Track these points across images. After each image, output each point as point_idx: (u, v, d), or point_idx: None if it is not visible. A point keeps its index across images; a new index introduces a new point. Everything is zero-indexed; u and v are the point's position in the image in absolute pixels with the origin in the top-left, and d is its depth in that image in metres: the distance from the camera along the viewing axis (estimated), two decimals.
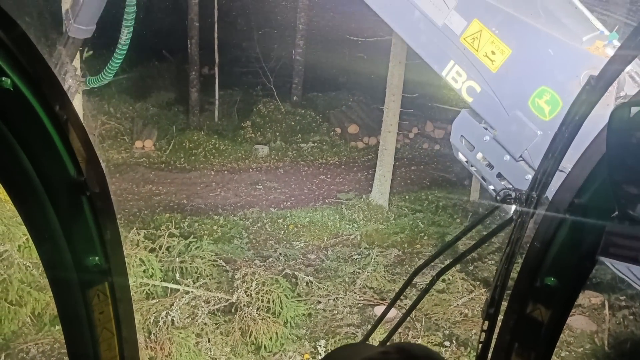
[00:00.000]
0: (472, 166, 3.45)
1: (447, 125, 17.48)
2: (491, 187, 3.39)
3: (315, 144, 16.42)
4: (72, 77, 4.61)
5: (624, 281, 9.07)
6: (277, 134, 16.62)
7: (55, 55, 4.66)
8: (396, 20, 3.51)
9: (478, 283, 9.42)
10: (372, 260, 10.11)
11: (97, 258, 1.32)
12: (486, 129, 3.30)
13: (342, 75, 19.19)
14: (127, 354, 1.44)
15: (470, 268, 10.01)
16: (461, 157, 3.50)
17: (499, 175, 3.28)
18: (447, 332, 8.45)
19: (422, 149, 16.91)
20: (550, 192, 1.53)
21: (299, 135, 16.82)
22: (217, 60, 17.17)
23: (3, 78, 1.08)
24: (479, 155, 3.36)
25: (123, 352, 1.43)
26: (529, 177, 3.09)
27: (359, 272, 9.82)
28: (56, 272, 1.31)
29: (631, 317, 8.33)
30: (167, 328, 7.76)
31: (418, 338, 8.20)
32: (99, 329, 1.37)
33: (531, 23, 3.03)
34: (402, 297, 9.44)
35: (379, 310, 9.02)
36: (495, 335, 1.69)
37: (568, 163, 1.46)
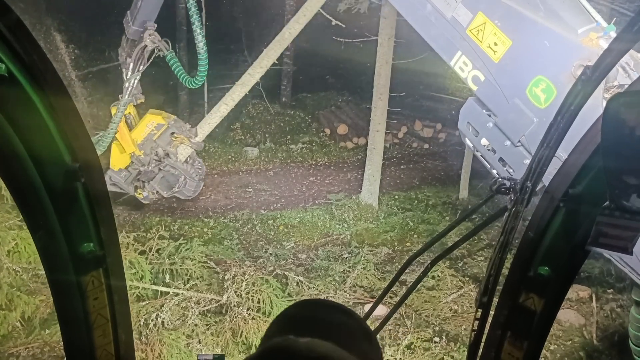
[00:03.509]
0: (477, 151, 3.58)
1: (435, 124, 17.58)
2: (494, 171, 3.51)
3: (305, 144, 16.42)
4: (130, 70, 5.00)
5: (612, 275, 9.18)
6: (267, 135, 16.60)
7: (120, 53, 5.07)
8: (410, 13, 3.69)
9: (467, 279, 9.49)
10: (362, 258, 10.14)
11: (91, 244, 1.33)
12: (490, 115, 3.43)
13: (330, 76, 19.21)
14: (121, 339, 1.45)
15: (460, 264, 10.08)
16: (468, 142, 3.63)
17: (501, 160, 3.41)
18: (437, 328, 8.50)
19: (411, 148, 16.96)
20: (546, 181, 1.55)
21: (289, 136, 16.81)
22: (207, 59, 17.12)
23: None
24: (484, 141, 3.50)
25: (117, 337, 1.43)
26: (527, 161, 3.21)
27: (349, 271, 9.85)
28: (51, 258, 1.32)
29: (619, 309, 8.44)
30: (157, 329, 7.74)
31: (408, 334, 8.25)
32: (94, 315, 1.37)
33: (530, 16, 3.16)
34: (391, 295, 9.49)
35: (369, 308, 9.05)
36: (488, 324, 1.70)
37: (563, 152, 1.49)
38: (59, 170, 1.24)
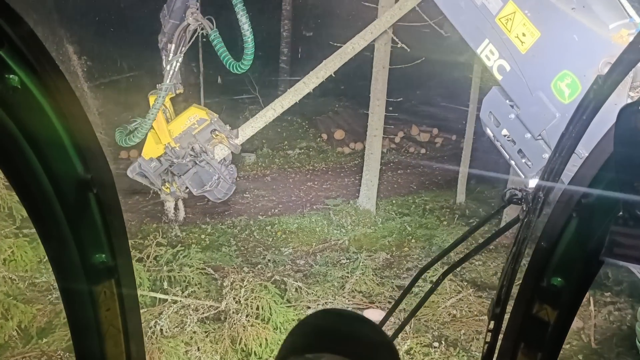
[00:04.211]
0: (497, 141, 3.52)
1: (432, 129, 17.64)
2: (513, 162, 3.46)
3: (302, 150, 16.43)
4: (172, 52, 4.81)
5: (609, 278, 9.18)
6: (264, 141, 16.60)
7: (159, 39, 4.86)
8: None
9: (466, 284, 9.50)
10: (361, 264, 10.15)
11: (103, 255, 1.33)
12: (512, 106, 3.38)
13: (327, 81, 19.24)
14: (133, 350, 1.44)
15: (458, 269, 10.09)
16: (488, 132, 3.57)
17: (520, 152, 3.36)
18: (436, 333, 8.51)
19: (408, 152, 17.01)
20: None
21: (286, 142, 16.83)
22: (202, 69, 17.14)
23: (10, 75, 1.09)
24: (504, 132, 3.45)
25: (129, 348, 1.43)
26: (546, 155, 3.16)
27: (348, 277, 9.84)
28: (63, 269, 1.31)
29: (616, 312, 8.46)
30: (156, 337, 7.70)
31: (407, 340, 8.24)
32: (105, 325, 1.37)
33: (561, 8, 3.10)
34: (390, 301, 9.49)
35: (368, 313, 9.05)
36: (501, 335, 1.69)
37: (584, 150, 1.45)
38: (72, 181, 1.24)
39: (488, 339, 1.63)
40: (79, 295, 1.33)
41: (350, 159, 16.22)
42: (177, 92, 5.06)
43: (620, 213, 1.14)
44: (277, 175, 14.98)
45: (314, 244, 11.30)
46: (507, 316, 1.62)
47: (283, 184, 14.44)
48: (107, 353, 1.39)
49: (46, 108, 1.17)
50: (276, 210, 12.90)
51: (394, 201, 13.47)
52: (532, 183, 2.95)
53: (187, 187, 5.17)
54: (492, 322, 1.62)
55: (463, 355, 7.94)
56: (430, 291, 2.21)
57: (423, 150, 17.14)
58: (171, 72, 4.83)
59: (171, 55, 4.77)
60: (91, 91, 13.29)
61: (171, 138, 4.97)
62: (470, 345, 8.18)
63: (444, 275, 2.18)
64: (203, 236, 11.37)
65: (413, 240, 11.48)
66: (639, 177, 1.08)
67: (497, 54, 3.33)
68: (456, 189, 13.53)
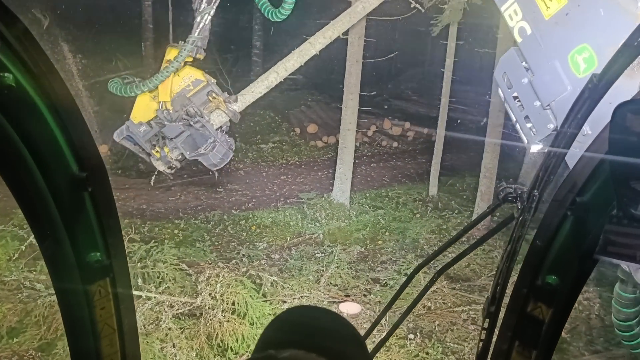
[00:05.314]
0: (506, 102, 3.50)
1: (404, 123, 17.83)
2: (517, 126, 3.45)
3: (275, 144, 16.41)
4: (205, 2, 4.34)
5: None
6: (237, 135, 16.50)
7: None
8: None
9: (441, 276, 9.65)
10: (336, 257, 10.21)
11: (98, 254, 1.33)
12: (527, 70, 3.36)
13: (300, 75, 19.26)
14: (128, 349, 1.44)
15: (432, 262, 10.25)
16: (500, 93, 3.54)
17: (527, 118, 3.36)
18: (412, 325, 8.64)
19: (380, 146, 17.15)
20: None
21: (259, 136, 16.77)
22: None
23: (5, 74, 1.09)
24: (515, 94, 3.43)
25: (124, 347, 1.43)
26: (551, 126, 3.15)
27: (323, 270, 9.90)
28: (58, 268, 1.30)
29: (585, 302, 8.73)
30: None
31: (382, 332, 8.35)
32: (101, 324, 1.37)
33: None
34: (366, 294, 9.59)
35: (344, 306, 9.14)
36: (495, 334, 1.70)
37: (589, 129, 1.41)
38: (66, 179, 1.23)
39: (483, 337, 1.65)
40: (74, 294, 1.32)
41: (323, 153, 16.27)
42: (198, 56, 4.72)
43: (615, 212, 1.16)
44: (250, 169, 14.92)
45: (289, 238, 11.32)
46: (501, 314, 1.65)
47: (256, 178, 14.39)
48: (102, 352, 1.39)
49: (41, 107, 1.16)
50: (250, 205, 12.86)
51: (367, 194, 13.58)
52: (534, 149, 3.01)
53: (180, 153, 4.86)
54: (487, 321, 1.63)
55: (438, 346, 8.08)
56: (426, 289, 2.24)
57: (395, 144, 17.31)
58: (201, 25, 4.43)
59: (203, 5, 4.39)
60: (86, 90, 13.03)
61: (170, 97, 4.66)
62: (445, 337, 8.34)
63: (438, 273, 2.20)
64: (176, 231, 11.26)
65: (387, 233, 11.60)
66: (634, 176, 1.09)
67: (520, 15, 3.26)
68: (428, 181, 13.71)
